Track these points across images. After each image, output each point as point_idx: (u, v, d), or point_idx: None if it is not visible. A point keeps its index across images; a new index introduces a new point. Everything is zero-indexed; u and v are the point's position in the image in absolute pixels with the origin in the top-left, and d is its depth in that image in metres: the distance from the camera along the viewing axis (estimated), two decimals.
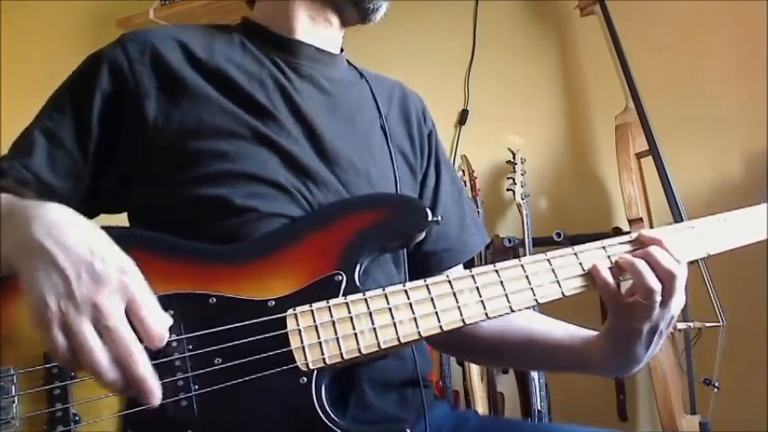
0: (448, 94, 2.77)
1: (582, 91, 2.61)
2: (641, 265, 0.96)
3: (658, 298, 0.95)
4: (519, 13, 2.71)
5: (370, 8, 1.15)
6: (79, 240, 0.80)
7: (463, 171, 2.56)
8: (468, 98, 2.76)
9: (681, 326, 2.08)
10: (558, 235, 2.36)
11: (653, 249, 0.97)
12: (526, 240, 2.40)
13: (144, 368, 0.76)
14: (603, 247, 1.00)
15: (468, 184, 2.52)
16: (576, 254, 0.99)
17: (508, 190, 2.47)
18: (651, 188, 2.26)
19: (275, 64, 1.12)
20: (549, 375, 2.34)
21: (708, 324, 2.05)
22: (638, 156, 2.26)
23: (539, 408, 2.30)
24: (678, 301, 0.97)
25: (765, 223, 1.06)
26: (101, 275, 0.77)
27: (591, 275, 0.98)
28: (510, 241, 2.42)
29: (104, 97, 1.04)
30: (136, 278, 0.80)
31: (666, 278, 0.95)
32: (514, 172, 2.48)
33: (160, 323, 0.79)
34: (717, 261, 2.01)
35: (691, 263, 1.97)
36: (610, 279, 0.97)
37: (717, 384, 2.04)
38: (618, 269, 0.98)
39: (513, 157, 2.50)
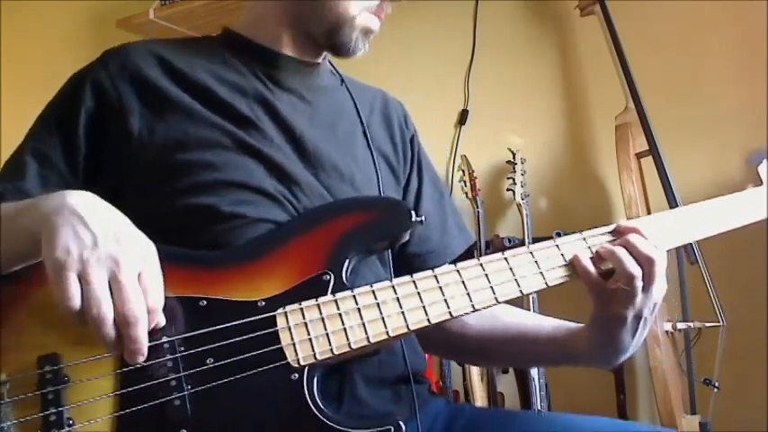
0: (448, 94, 2.77)
1: (582, 91, 2.61)
2: (621, 252, 0.99)
3: (639, 283, 0.98)
4: (519, 13, 2.71)
5: (348, 50, 1.15)
6: (107, 214, 0.86)
7: (463, 171, 2.55)
8: (468, 98, 2.76)
9: (681, 326, 2.08)
10: (558, 235, 2.34)
11: (631, 237, 1.00)
12: (526, 240, 2.40)
13: (143, 332, 0.81)
14: (584, 239, 1.04)
15: (468, 184, 2.52)
16: (557, 245, 1.03)
17: (508, 190, 2.47)
18: (651, 188, 2.25)
19: (256, 75, 1.14)
20: (549, 375, 2.34)
21: (708, 324, 2.05)
22: (638, 156, 2.26)
23: (539, 408, 2.30)
24: (659, 287, 1.00)
25: (754, 207, 1.11)
26: (124, 240, 0.83)
27: (573, 265, 1.01)
28: (510, 241, 2.42)
29: (89, 114, 1.06)
30: (153, 254, 0.86)
31: (645, 263, 0.98)
32: (514, 172, 2.48)
33: (158, 300, 0.84)
34: (717, 261, 2.04)
35: (691, 263, 2.00)
36: (591, 268, 1.00)
37: (717, 384, 2.04)
38: (598, 258, 1.01)
39: (513, 157, 2.50)
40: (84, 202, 0.85)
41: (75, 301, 0.78)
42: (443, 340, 1.22)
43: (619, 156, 2.25)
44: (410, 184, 1.27)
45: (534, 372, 2.32)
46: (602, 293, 1.01)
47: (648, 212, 2.25)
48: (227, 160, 1.04)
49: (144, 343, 0.81)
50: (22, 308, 0.88)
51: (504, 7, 2.72)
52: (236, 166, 1.04)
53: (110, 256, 0.80)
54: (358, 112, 1.22)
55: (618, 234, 1.04)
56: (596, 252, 1.02)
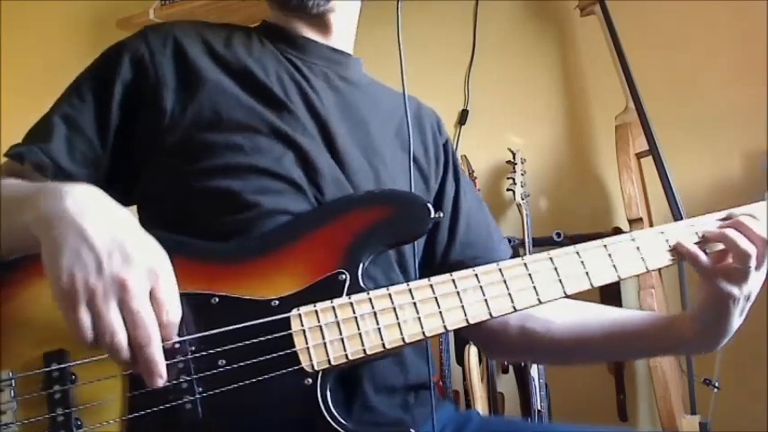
0: (448, 94, 2.76)
1: (582, 91, 2.61)
2: (733, 233, 1.01)
3: (753, 262, 1.00)
4: (519, 13, 2.70)
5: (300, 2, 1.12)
6: (112, 220, 0.80)
7: (463, 171, 2.55)
8: (468, 98, 2.76)
9: None
10: (558, 235, 2.37)
11: (744, 219, 1.02)
12: (526, 240, 2.40)
13: (157, 353, 0.77)
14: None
15: None
16: (578, 252, 1.00)
17: (508, 190, 2.47)
18: (651, 188, 2.26)
19: (290, 61, 1.13)
20: (549, 375, 2.34)
21: None
22: (638, 156, 2.26)
23: (539, 408, 2.30)
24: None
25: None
26: (131, 256, 0.77)
27: (676, 251, 1.02)
28: (510, 241, 2.41)
29: (125, 86, 1.04)
30: (164, 264, 0.80)
31: (759, 242, 1.00)
32: (514, 172, 2.47)
33: (176, 313, 0.80)
34: None
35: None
36: (698, 251, 1.02)
37: (717, 384, 2.04)
38: (704, 242, 1.04)
39: (513, 157, 2.49)
40: (84, 209, 0.79)
41: (89, 333, 0.75)
42: (525, 344, 1.21)
43: (619, 156, 2.25)
44: (445, 189, 1.25)
45: (534, 372, 2.31)
46: (713, 274, 1.02)
47: (648, 212, 2.25)
48: (257, 144, 1.02)
49: (160, 363, 0.77)
50: (26, 298, 0.85)
51: (504, 7, 2.71)
52: (266, 151, 1.02)
53: (116, 280, 0.75)
54: (387, 112, 1.21)
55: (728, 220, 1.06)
56: (703, 236, 1.04)
